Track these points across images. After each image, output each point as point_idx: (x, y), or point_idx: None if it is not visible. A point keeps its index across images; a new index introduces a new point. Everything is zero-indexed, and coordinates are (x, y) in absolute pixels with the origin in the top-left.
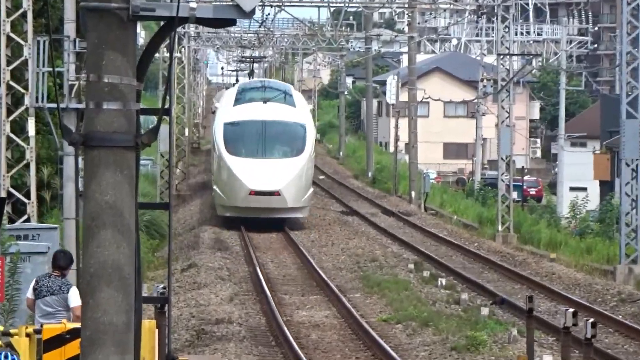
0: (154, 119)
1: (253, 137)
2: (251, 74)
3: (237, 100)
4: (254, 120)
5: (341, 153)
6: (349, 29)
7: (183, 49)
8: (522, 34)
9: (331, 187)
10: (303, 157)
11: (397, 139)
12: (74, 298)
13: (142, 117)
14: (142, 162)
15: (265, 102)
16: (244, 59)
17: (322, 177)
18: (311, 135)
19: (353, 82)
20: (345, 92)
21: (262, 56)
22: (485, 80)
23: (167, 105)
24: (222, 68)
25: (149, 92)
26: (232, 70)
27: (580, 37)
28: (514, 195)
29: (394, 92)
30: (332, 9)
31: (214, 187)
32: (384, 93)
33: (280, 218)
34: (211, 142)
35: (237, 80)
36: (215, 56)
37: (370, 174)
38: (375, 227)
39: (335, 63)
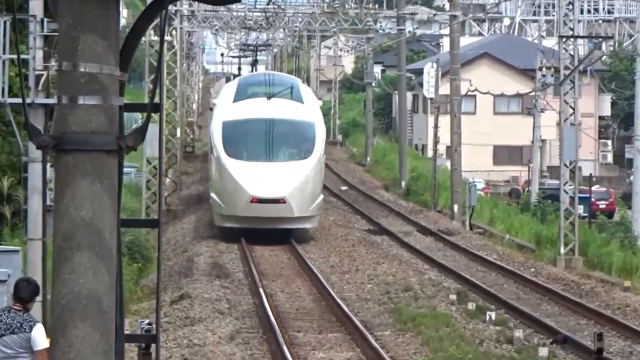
0: (140, 116)
1: (255, 137)
2: (254, 64)
3: (238, 96)
4: (257, 118)
5: (368, 158)
6: (377, 6)
7: (174, 32)
8: (589, 11)
9: (356, 200)
10: (312, 160)
11: (436, 141)
12: (39, 339)
13: (125, 115)
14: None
15: (269, 97)
16: (246, 46)
17: (344, 187)
18: (321, 134)
19: (382, 72)
20: (373, 84)
21: (267, 43)
22: (544, 69)
23: (156, 100)
24: (222, 55)
25: (133, 84)
26: (234, 57)
27: None
28: (580, 209)
29: (433, 84)
30: None
31: (212, 194)
32: (421, 85)
33: (286, 229)
34: (208, 144)
35: (239, 70)
36: (213, 40)
37: (403, 184)
38: (409, 249)
39: (361, 48)
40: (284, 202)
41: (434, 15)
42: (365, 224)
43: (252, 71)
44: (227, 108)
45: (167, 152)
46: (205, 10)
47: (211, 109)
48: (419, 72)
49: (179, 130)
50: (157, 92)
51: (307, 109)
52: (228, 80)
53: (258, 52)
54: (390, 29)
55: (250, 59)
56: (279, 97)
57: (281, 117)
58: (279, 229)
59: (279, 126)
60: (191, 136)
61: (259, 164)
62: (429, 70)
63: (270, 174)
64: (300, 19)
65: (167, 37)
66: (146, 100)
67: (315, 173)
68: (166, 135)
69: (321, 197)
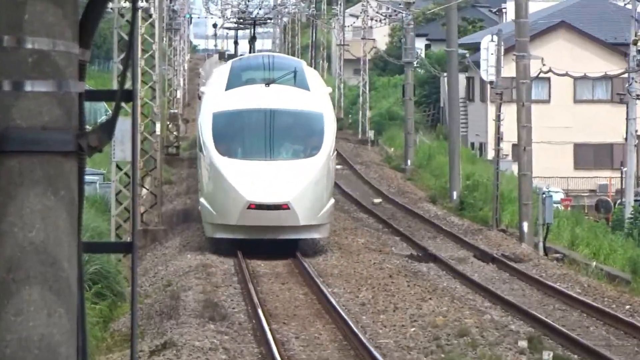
0: (106, 107)
1: (252, 132)
2: (252, 41)
3: (231, 82)
4: (254, 109)
5: (409, 161)
6: None
7: None
8: None
9: (393, 216)
10: (320, 158)
11: (498, 139)
12: None
13: (87, 106)
14: (87, 177)
15: (268, 84)
16: (243, 17)
17: (377, 200)
18: (330, 127)
19: (427, 47)
20: (415, 63)
21: (267, 17)
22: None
23: (128, 85)
24: (215, 26)
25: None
26: (230, 29)
27: None
28: None
29: (493, 63)
30: None
31: (201, 199)
32: (477, 65)
33: (290, 240)
34: (197, 140)
35: (236, 46)
36: (203, 7)
37: (455, 195)
38: (464, 281)
39: (398, 16)
40: (288, 208)
41: None
42: (405, 247)
43: (251, 50)
44: (218, 97)
45: (144, 155)
46: None
47: (200, 98)
48: (475, 48)
49: (158, 125)
50: (129, 75)
51: (313, 97)
52: (222, 57)
53: (259, 26)
54: None
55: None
56: (280, 83)
57: (283, 107)
58: (281, 240)
59: (281, 118)
60: (175, 133)
61: (256, 163)
62: (488, 45)
63: (270, 175)
64: None
65: (142, 3)
66: (115, 86)
67: (325, 173)
68: (142, 132)
69: (332, 201)
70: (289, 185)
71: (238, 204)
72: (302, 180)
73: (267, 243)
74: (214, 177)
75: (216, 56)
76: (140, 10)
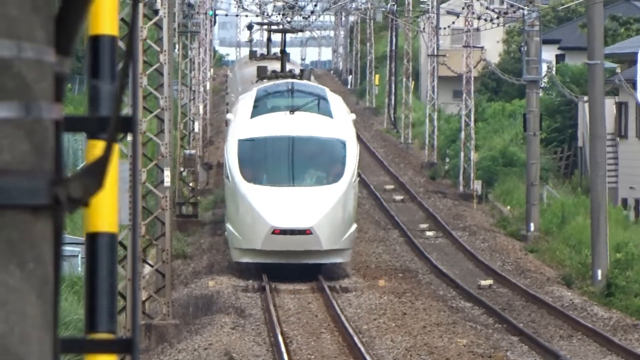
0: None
1: (277, 158)
2: (282, 55)
3: (256, 110)
4: (278, 136)
5: (532, 226)
6: None
7: None
8: None
9: (509, 305)
10: (342, 184)
11: None
12: None
13: (66, 139)
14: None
15: (292, 111)
16: (272, 24)
17: (487, 282)
18: (353, 154)
19: (559, 59)
20: (542, 83)
21: (298, 28)
22: None
23: (125, 111)
24: (250, 27)
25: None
26: (261, 24)
27: None
28: None
29: None
30: None
31: (227, 224)
32: (633, 85)
33: (314, 264)
34: (224, 167)
35: (269, 43)
36: (233, 1)
37: (599, 274)
38: None
39: (517, 14)
40: (311, 234)
41: None
42: (526, 352)
43: (282, 67)
44: (243, 124)
45: (146, 216)
46: None
47: (226, 124)
48: (630, 60)
49: (167, 173)
50: (127, 97)
51: (336, 125)
52: (252, 56)
53: (312, 30)
54: None
55: (301, 37)
56: (304, 110)
57: (306, 135)
58: (305, 265)
59: (304, 145)
60: (191, 185)
61: (281, 190)
62: None
63: (294, 201)
64: None
65: None
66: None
67: (347, 199)
68: (144, 182)
69: (354, 226)
70: (312, 211)
71: (263, 229)
72: (324, 206)
73: (292, 268)
74: (239, 202)
75: (246, 56)
76: (141, 4)
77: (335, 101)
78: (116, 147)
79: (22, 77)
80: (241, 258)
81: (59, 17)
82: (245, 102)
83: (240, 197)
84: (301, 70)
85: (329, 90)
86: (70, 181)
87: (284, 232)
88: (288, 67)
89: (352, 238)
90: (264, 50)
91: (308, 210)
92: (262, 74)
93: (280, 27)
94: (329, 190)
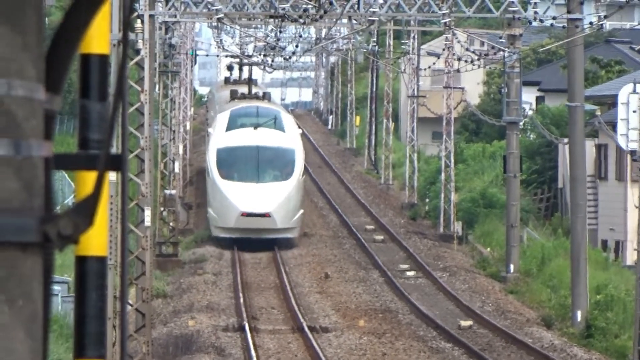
0: (69, 182)
1: (245, 161)
2: (249, 83)
3: (230, 126)
4: (246, 145)
5: (512, 267)
6: None
7: (140, 23)
8: None
9: (489, 346)
10: (292, 181)
11: None
12: None
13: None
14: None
15: (256, 127)
16: (240, 57)
17: (466, 322)
18: (300, 159)
19: (539, 101)
20: (522, 124)
21: (275, 67)
22: None
23: (115, 148)
24: (231, 69)
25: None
26: (243, 64)
27: None
28: None
29: (637, 125)
30: None
31: (209, 209)
32: (613, 127)
33: (271, 239)
34: (206, 168)
35: (241, 71)
36: (214, 40)
37: (579, 316)
38: None
39: (497, 56)
40: (269, 216)
41: None
42: None
43: (249, 91)
44: (220, 136)
45: (127, 255)
46: None
47: (207, 135)
48: (610, 103)
49: (148, 213)
50: (116, 134)
51: (288, 137)
52: (227, 82)
53: (295, 71)
54: (553, 19)
55: (282, 77)
56: (265, 126)
57: (266, 144)
58: (265, 239)
59: (265, 152)
60: (171, 225)
61: (248, 184)
62: (629, 98)
63: (257, 193)
64: (381, 0)
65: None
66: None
67: (296, 191)
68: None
69: (301, 211)
70: (270, 200)
71: (234, 213)
72: (279, 197)
73: (255, 241)
74: (217, 193)
75: (222, 81)
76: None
77: (288, 119)
78: (107, 182)
79: (12, 114)
80: (219, 234)
81: (49, 55)
82: (222, 119)
83: (218, 189)
84: (263, 93)
85: (284, 111)
86: (61, 219)
87: (249, 215)
88: (254, 90)
89: (299, 220)
90: (237, 77)
91: (267, 199)
92: (234, 96)
93: (249, 61)
94: (283, 185)
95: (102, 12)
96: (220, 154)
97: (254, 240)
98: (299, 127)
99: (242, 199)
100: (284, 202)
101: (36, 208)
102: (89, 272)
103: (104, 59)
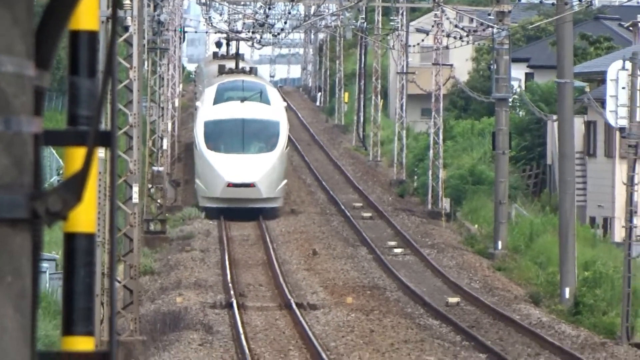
0: (57, 160)
1: (231, 134)
2: (237, 58)
3: (217, 100)
4: (232, 118)
5: (500, 244)
6: None
7: (129, 1)
8: None
9: (476, 323)
10: (276, 152)
11: (631, 211)
12: None
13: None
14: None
15: (242, 101)
16: (228, 33)
17: (454, 299)
18: (284, 131)
19: (528, 78)
20: (511, 101)
21: (263, 43)
22: None
23: (104, 124)
24: (219, 45)
25: (49, 100)
26: (230, 39)
27: None
28: None
29: (625, 101)
30: None
31: (197, 180)
32: (602, 104)
33: (256, 208)
34: (194, 140)
35: (228, 46)
36: (202, 17)
37: (567, 293)
38: None
39: (486, 32)
40: (254, 186)
41: None
42: None
43: (237, 66)
44: (208, 110)
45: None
46: None
47: (196, 109)
48: (599, 80)
49: (135, 189)
50: (104, 110)
51: (273, 110)
52: (215, 56)
53: (284, 47)
54: None
55: (270, 54)
56: (251, 100)
57: (252, 117)
58: (250, 208)
59: (250, 125)
60: (159, 202)
61: (233, 156)
62: (618, 74)
63: (243, 164)
64: None
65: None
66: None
67: (280, 162)
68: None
69: (285, 181)
70: (255, 170)
71: (221, 183)
72: (264, 167)
73: (241, 210)
74: (204, 165)
75: (210, 56)
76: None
77: (273, 93)
78: (96, 159)
79: (2, 90)
80: (205, 204)
81: (39, 30)
82: (209, 93)
83: (205, 161)
84: (250, 68)
85: (269, 85)
86: (49, 195)
87: (235, 185)
88: (241, 65)
89: (283, 189)
90: (225, 52)
91: (252, 170)
92: (222, 71)
93: (237, 36)
94: (267, 156)
95: None
96: (208, 127)
97: (240, 209)
98: (284, 100)
99: (228, 169)
100: (269, 173)
101: (26, 184)
102: (77, 248)
103: (93, 35)
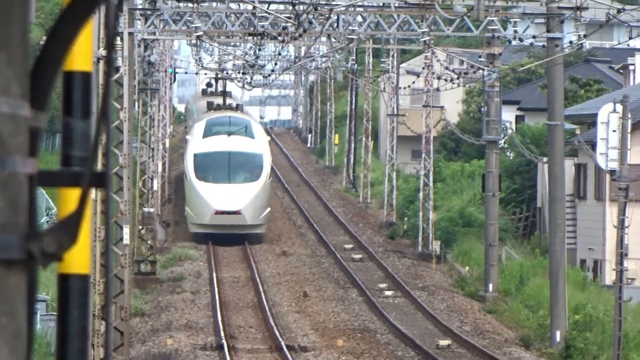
0: (47, 199)
1: (219, 165)
2: (224, 95)
3: (206, 133)
4: (220, 151)
5: (490, 286)
6: None
7: (120, 42)
8: None
9: None
10: (260, 182)
11: (622, 254)
12: None
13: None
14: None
15: (229, 135)
16: (216, 74)
17: (445, 342)
18: (267, 163)
19: (518, 120)
20: (502, 143)
21: (241, 78)
22: None
23: (98, 164)
24: (209, 86)
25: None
26: (218, 78)
27: None
28: None
29: (616, 144)
30: None
31: (186, 208)
32: (592, 146)
33: (242, 234)
34: (184, 171)
35: (217, 83)
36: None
37: (557, 336)
38: None
39: (477, 75)
40: (240, 213)
41: (620, 11)
42: None
43: (224, 103)
44: (197, 142)
45: (104, 273)
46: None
47: (186, 142)
48: (590, 122)
49: (126, 231)
50: (99, 151)
51: (257, 143)
52: (204, 93)
53: (274, 89)
54: (532, 38)
55: (260, 95)
56: (237, 134)
57: (238, 150)
58: (236, 234)
59: (236, 157)
60: (149, 243)
61: (221, 185)
62: (608, 117)
63: (229, 192)
64: (360, 19)
65: (104, 52)
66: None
67: (263, 191)
68: (102, 239)
69: (268, 209)
70: (241, 199)
71: (209, 211)
72: (248, 196)
73: (227, 236)
74: (194, 193)
75: (199, 92)
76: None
77: (257, 128)
78: (89, 200)
79: None
80: (195, 230)
81: (34, 71)
82: (199, 127)
83: (195, 190)
84: (237, 104)
85: (254, 121)
86: (45, 236)
87: (222, 212)
88: (228, 101)
89: (267, 217)
90: (213, 89)
91: (238, 198)
92: (210, 107)
93: (226, 75)
94: (252, 185)
95: (84, 29)
96: (197, 158)
97: (227, 235)
98: (269, 135)
99: (215, 198)
100: (253, 201)
101: (20, 225)
102: (71, 290)
103: (86, 76)
